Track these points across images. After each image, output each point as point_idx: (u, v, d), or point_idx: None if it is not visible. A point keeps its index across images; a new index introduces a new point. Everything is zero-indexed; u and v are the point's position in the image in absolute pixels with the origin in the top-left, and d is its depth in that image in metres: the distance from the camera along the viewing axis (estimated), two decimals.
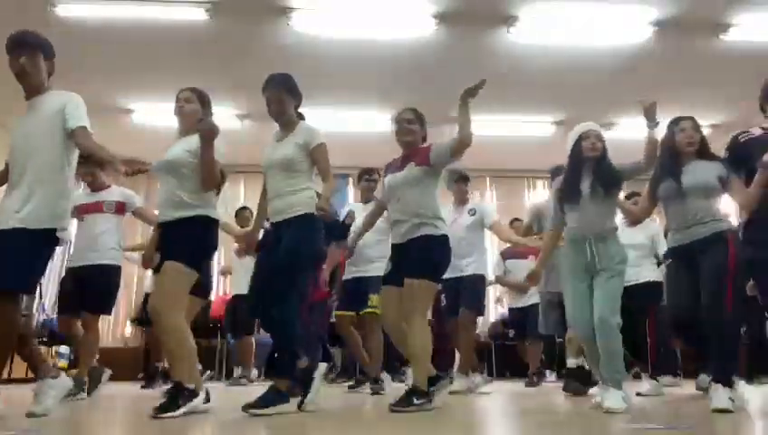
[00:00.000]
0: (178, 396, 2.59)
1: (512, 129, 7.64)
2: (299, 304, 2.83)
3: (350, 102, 7.07)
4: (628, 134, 6.65)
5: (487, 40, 5.80)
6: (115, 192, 4.31)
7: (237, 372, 6.59)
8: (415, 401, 2.86)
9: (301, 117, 3.19)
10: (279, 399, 2.72)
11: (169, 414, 2.51)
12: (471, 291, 4.57)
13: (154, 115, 7.18)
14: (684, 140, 3.11)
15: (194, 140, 2.83)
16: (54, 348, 7.12)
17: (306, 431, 2.37)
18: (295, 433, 2.35)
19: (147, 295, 5.91)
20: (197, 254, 2.80)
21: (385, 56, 6.05)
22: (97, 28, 5.50)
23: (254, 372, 6.83)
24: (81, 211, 4.18)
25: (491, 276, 6.69)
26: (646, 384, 4.25)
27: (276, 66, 6.20)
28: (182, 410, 2.56)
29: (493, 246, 8.11)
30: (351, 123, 7.43)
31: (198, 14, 5.29)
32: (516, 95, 6.86)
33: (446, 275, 4.69)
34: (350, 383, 5.08)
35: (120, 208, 4.29)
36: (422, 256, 3.05)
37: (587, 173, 3.12)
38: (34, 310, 7.02)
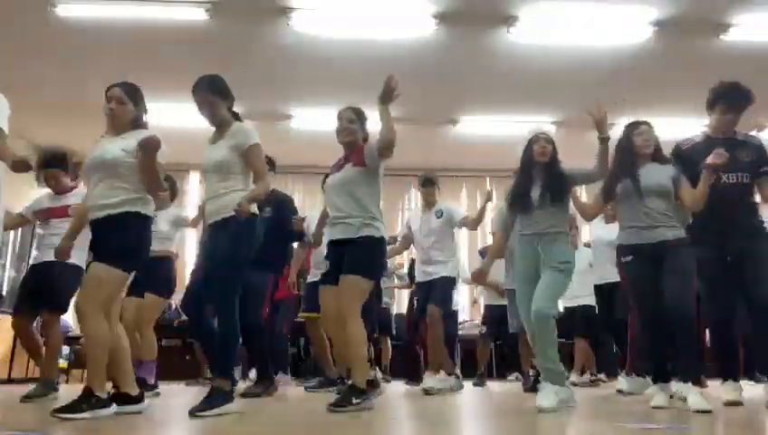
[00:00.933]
0: (84, 400, 2.54)
1: (512, 129, 7.63)
2: (233, 304, 2.82)
3: (350, 102, 7.03)
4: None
5: (487, 40, 5.80)
6: (80, 195, 4.03)
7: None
8: (353, 400, 2.90)
9: (236, 117, 3.13)
10: (223, 399, 2.72)
11: (71, 416, 2.47)
12: (440, 290, 4.61)
13: (154, 115, 7.16)
14: (641, 143, 3.25)
15: (131, 140, 2.80)
16: None
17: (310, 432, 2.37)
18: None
19: None
20: (129, 254, 2.73)
21: (385, 56, 6.05)
22: (97, 28, 5.50)
23: (254, 373, 6.83)
24: (45, 215, 4.12)
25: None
26: (625, 382, 4.33)
27: (276, 66, 6.28)
28: (86, 414, 2.50)
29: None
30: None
31: (198, 14, 5.29)
32: (516, 95, 6.86)
33: (417, 279, 4.81)
34: (311, 384, 4.98)
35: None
36: (360, 257, 3.08)
37: (538, 177, 3.23)
38: None
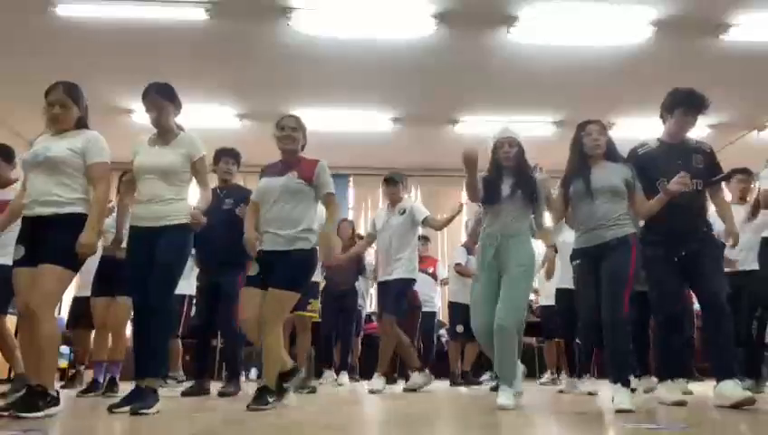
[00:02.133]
0: (40, 398, 2.56)
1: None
2: (171, 305, 3.07)
3: (350, 102, 7.08)
4: (627, 134, 6.64)
5: (487, 40, 5.80)
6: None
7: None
8: (268, 399, 2.99)
9: (180, 127, 3.15)
10: (154, 398, 2.84)
11: (31, 415, 2.49)
12: (392, 295, 4.63)
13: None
14: (591, 144, 3.25)
15: (77, 140, 2.85)
16: None
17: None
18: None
19: None
20: (77, 255, 2.74)
21: (385, 56, 6.05)
22: (97, 28, 5.50)
23: (254, 372, 6.83)
24: None
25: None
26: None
27: (276, 66, 6.29)
28: (43, 413, 2.53)
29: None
30: (351, 123, 7.43)
31: (198, 15, 5.29)
32: (516, 95, 6.86)
33: (378, 279, 4.85)
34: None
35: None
36: (294, 271, 3.13)
37: (507, 176, 3.27)
38: None
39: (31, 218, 2.78)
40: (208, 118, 6.94)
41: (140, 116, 7.22)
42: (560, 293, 5.01)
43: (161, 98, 3.04)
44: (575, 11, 5.29)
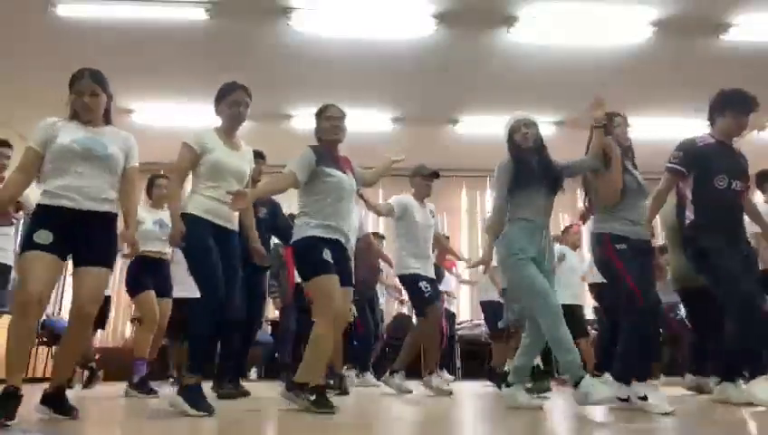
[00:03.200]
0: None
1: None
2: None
3: (350, 102, 7.03)
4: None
5: (487, 40, 5.80)
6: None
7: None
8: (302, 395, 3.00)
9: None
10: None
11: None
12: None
13: (154, 115, 7.19)
14: (624, 135, 3.39)
15: (118, 140, 2.80)
16: (54, 348, 7.11)
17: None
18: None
19: None
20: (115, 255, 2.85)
21: (385, 56, 6.05)
22: (97, 28, 5.51)
23: (254, 372, 6.84)
24: None
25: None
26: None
27: (276, 66, 6.28)
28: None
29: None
30: (351, 123, 7.38)
31: (198, 14, 5.29)
32: (516, 95, 6.85)
33: (420, 272, 4.57)
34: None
35: (19, 209, 3.89)
36: (350, 271, 3.25)
37: (529, 158, 3.22)
38: None
39: (72, 211, 2.61)
40: (208, 118, 6.92)
41: (140, 116, 7.23)
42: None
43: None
44: (575, 11, 5.29)
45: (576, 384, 2.81)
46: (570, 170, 3.25)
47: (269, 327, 7.71)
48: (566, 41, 5.76)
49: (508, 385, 3.22)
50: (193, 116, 7.23)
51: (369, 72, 6.41)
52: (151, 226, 4.47)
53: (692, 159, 3.34)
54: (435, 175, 4.78)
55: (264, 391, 4.47)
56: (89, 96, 2.74)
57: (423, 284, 4.43)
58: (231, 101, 3.13)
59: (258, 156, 4.38)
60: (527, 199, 3.10)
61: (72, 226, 2.60)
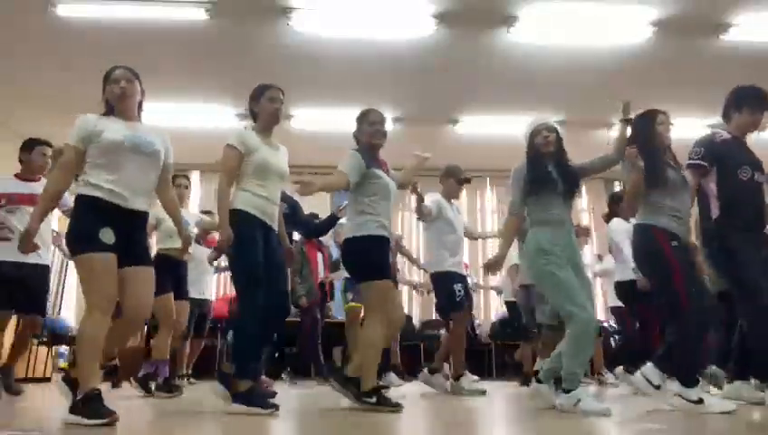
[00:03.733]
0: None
1: (512, 129, 7.62)
2: None
3: (349, 102, 7.06)
4: (627, 134, 6.62)
5: (487, 40, 5.80)
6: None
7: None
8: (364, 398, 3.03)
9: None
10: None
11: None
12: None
13: (154, 115, 7.15)
14: (666, 133, 3.30)
15: (157, 137, 2.78)
16: (55, 348, 7.12)
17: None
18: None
19: None
20: None
21: (385, 56, 6.05)
22: (97, 28, 5.50)
23: None
24: (11, 201, 3.94)
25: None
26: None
27: (276, 66, 6.27)
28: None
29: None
30: (352, 123, 7.40)
31: (198, 14, 5.28)
32: (516, 95, 6.86)
33: (453, 269, 4.59)
34: None
35: (54, 207, 4.03)
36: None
37: (548, 163, 3.20)
38: None
39: (121, 208, 2.58)
40: (208, 118, 6.93)
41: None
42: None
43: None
44: (575, 11, 5.29)
45: (566, 391, 2.85)
46: (588, 170, 3.26)
47: None
48: (566, 41, 5.76)
49: (539, 381, 3.18)
50: (193, 116, 7.24)
51: (369, 72, 6.40)
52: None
53: (713, 153, 3.29)
54: (468, 180, 4.90)
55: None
56: (125, 81, 2.73)
57: (457, 287, 4.47)
58: (270, 97, 3.15)
59: None
60: (547, 203, 3.10)
61: (121, 223, 2.56)
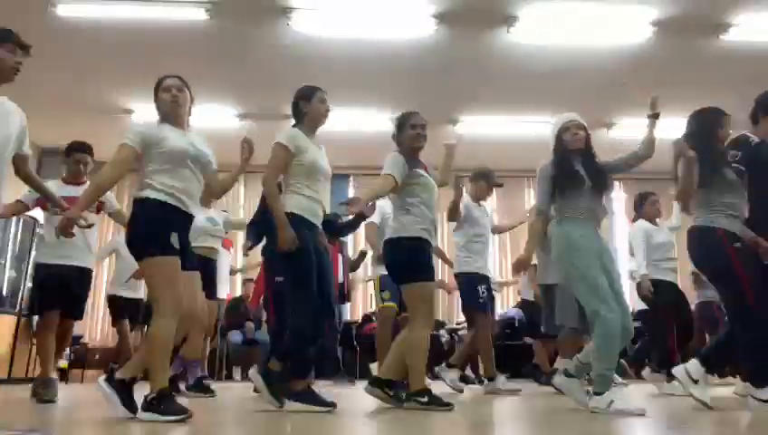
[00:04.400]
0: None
1: (512, 129, 7.64)
2: None
3: (350, 102, 7.07)
4: (627, 134, 6.62)
5: (487, 40, 5.80)
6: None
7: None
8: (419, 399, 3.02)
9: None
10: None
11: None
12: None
13: (154, 115, 7.16)
14: (726, 135, 3.30)
15: (204, 144, 2.83)
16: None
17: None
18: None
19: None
20: None
21: (385, 56, 6.05)
22: (97, 28, 5.50)
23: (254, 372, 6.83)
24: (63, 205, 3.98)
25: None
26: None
27: (276, 66, 6.28)
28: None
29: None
30: (351, 123, 7.43)
31: (198, 14, 5.29)
32: (516, 95, 6.86)
33: (482, 271, 4.60)
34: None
35: (100, 208, 3.96)
36: None
37: (575, 160, 3.14)
38: None
39: (182, 213, 2.68)
40: (208, 118, 6.94)
41: (140, 116, 7.22)
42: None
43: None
44: (575, 11, 5.29)
45: (598, 394, 2.79)
46: (617, 167, 3.20)
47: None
48: (566, 41, 5.76)
49: (569, 375, 3.09)
50: (192, 116, 7.23)
51: (369, 72, 6.40)
52: (204, 221, 4.40)
53: (749, 156, 3.25)
54: (500, 184, 4.93)
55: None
56: (176, 90, 2.80)
57: (481, 288, 4.50)
58: (321, 98, 3.16)
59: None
60: (575, 201, 3.05)
61: (180, 227, 2.66)
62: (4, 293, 7.00)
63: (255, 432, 2.24)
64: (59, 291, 3.83)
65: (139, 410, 2.44)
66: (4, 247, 6.98)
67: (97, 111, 6.96)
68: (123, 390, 2.50)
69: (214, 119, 7.05)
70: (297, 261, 2.86)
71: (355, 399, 3.88)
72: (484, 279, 4.57)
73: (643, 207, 4.83)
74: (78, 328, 5.36)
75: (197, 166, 2.74)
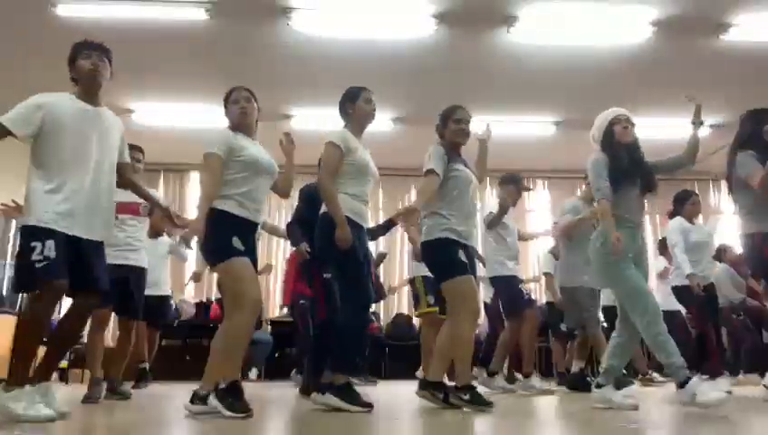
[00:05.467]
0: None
1: (512, 129, 7.64)
2: None
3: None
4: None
5: (487, 40, 5.80)
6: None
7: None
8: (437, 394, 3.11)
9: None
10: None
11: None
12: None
13: (154, 115, 7.18)
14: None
15: (267, 152, 2.95)
16: None
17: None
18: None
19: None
20: None
21: (385, 56, 6.05)
22: (97, 28, 5.48)
23: (254, 372, 6.84)
24: (119, 210, 3.95)
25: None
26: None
27: (276, 66, 6.28)
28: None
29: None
30: None
31: (198, 14, 5.29)
32: (516, 95, 6.86)
33: (513, 273, 4.70)
34: None
35: (150, 213, 4.19)
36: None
37: (624, 154, 3.15)
38: None
39: (250, 222, 2.84)
40: (208, 118, 6.92)
41: (140, 116, 7.23)
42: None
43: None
44: (575, 11, 5.29)
45: (682, 385, 2.78)
46: (658, 168, 3.21)
47: (269, 327, 7.71)
48: (566, 41, 5.76)
49: (599, 386, 3.09)
50: (193, 116, 7.24)
51: (369, 72, 6.39)
52: None
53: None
54: (528, 189, 5.03)
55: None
56: (244, 102, 2.94)
57: (523, 287, 4.71)
58: (366, 98, 3.21)
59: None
60: (622, 197, 3.06)
61: (249, 234, 2.82)
62: (5, 293, 7.01)
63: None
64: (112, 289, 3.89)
65: (211, 397, 2.58)
66: (5, 247, 6.98)
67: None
68: (229, 394, 2.58)
69: (214, 119, 7.01)
70: (349, 262, 2.94)
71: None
72: (519, 280, 4.77)
73: (683, 206, 4.83)
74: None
75: (267, 174, 2.89)
